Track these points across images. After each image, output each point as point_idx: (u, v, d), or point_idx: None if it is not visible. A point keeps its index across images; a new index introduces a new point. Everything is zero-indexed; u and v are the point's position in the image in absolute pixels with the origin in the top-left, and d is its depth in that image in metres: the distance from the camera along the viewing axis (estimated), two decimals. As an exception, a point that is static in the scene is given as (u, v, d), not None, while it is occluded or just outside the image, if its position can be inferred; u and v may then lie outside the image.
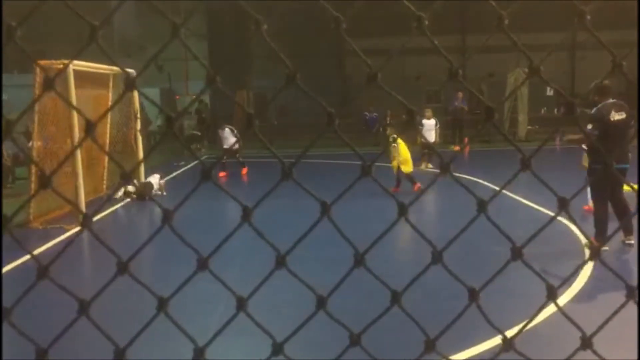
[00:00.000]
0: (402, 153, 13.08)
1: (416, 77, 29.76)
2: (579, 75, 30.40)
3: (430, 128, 17.65)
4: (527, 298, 4.56)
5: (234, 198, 1.08)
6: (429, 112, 18.12)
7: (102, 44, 1.09)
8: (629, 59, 1.22)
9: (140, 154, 14.80)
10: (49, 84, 1.13)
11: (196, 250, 1.06)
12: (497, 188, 1.25)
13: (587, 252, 7.93)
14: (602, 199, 8.08)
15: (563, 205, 1.09)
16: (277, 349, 1.15)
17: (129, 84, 1.15)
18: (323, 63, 27.54)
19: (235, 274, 6.77)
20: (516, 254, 1.12)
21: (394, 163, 13.17)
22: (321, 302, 1.17)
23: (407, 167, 13.12)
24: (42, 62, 10.04)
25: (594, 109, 8.10)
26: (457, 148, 22.39)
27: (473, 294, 1.10)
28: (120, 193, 13.36)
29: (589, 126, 7.91)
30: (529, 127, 25.91)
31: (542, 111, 29.02)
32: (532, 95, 26.05)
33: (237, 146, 16.14)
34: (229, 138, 16.93)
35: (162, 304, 1.04)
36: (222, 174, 16.44)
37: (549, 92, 27.64)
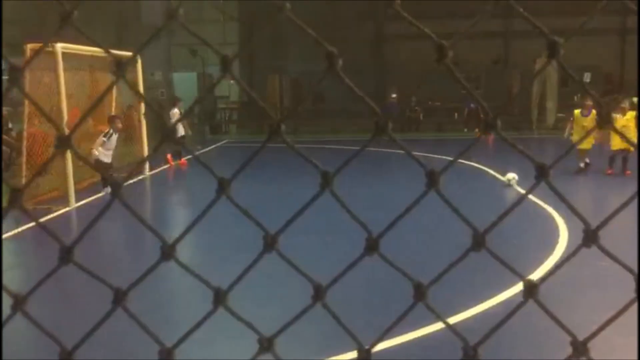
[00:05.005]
0: None
1: (454, 63, 28.78)
2: (628, 61, 29.00)
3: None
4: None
5: (210, 169, 0.91)
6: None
7: (77, 23, 0.92)
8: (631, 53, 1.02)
9: (145, 138, 15.51)
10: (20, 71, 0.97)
11: (160, 236, 0.90)
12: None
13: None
14: None
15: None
16: (266, 345, 0.98)
17: (120, 69, 0.96)
18: (361, 48, 26.83)
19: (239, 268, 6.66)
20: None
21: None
22: (318, 292, 0.99)
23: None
24: (32, 44, 10.31)
25: None
26: (479, 134, 21.53)
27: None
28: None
29: None
30: (559, 115, 24.12)
31: (575, 98, 27.55)
32: (565, 82, 24.38)
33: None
34: None
35: (119, 297, 0.88)
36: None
37: (586, 78, 25.52)
